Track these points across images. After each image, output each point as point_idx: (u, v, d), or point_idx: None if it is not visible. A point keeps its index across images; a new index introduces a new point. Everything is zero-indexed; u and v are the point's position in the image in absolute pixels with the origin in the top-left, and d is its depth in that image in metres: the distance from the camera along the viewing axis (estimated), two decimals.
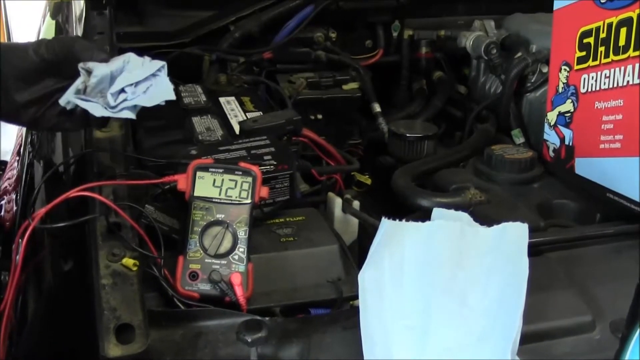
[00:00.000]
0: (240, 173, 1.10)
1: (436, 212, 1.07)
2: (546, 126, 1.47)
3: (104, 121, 1.10)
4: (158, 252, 1.05)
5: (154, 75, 1.09)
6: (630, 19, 1.22)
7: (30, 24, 3.02)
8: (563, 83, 1.40)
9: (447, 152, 1.59)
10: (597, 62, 1.31)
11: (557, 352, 1.00)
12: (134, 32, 1.82)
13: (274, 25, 1.87)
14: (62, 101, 1.06)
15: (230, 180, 1.09)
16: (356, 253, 1.24)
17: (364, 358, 0.93)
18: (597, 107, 1.32)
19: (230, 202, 1.08)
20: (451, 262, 0.97)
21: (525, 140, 1.65)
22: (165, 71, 1.10)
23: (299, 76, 1.77)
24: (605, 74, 1.29)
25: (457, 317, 0.93)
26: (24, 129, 1.81)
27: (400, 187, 1.36)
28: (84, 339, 0.97)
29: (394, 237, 1.00)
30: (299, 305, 1.09)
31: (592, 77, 1.32)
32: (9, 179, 1.87)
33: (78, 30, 1.62)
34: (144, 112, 1.30)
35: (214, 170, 1.10)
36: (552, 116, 1.45)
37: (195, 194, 1.08)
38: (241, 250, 1.06)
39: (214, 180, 1.09)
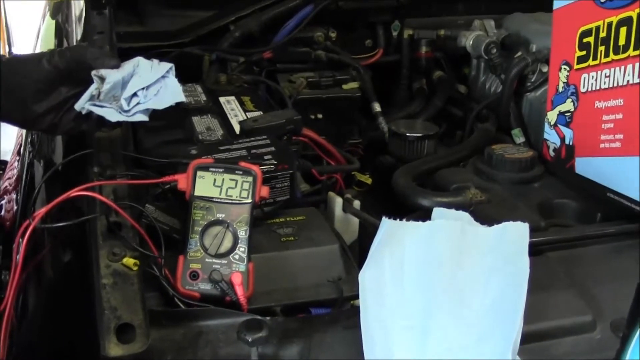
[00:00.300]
0: (241, 173, 1.10)
1: (436, 211, 1.07)
2: (546, 126, 1.47)
3: (119, 123, 1.13)
4: (158, 252, 1.05)
5: (163, 77, 1.13)
6: (630, 18, 1.22)
7: (30, 23, 3.02)
8: (563, 82, 1.40)
9: (447, 151, 1.59)
10: (597, 62, 1.31)
11: (557, 352, 1.00)
12: (134, 31, 1.82)
13: (274, 24, 1.87)
14: (78, 106, 1.11)
15: (230, 179, 1.09)
16: (357, 253, 1.24)
17: (365, 358, 0.93)
18: (597, 106, 1.32)
19: (230, 201, 1.08)
20: (452, 261, 0.97)
21: (526, 139, 1.65)
22: (173, 73, 1.14)
23: (299, 76, 1.77)
24: (605, 74, 1.29)
25: (458, 317, 0.93)
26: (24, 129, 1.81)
27: (401, 186, 1.36)
28: (83, 335, 0.98)
29: (394, 236, 1.00)
30: (299, 304, 1.09)
31: (592, 77, 1.32)
32: (9, 178, 1.87)
33: (78, 30, 1.62)
34: None
35: (214, 169, 1.10)
36: (552, 116, 1.45)
37: (196, 193, 1.08)
38: (242, 249, 1.06)
39: (215, 179, 1.09)
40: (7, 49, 4.46)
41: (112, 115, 1.10)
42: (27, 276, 1.16)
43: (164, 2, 1.88)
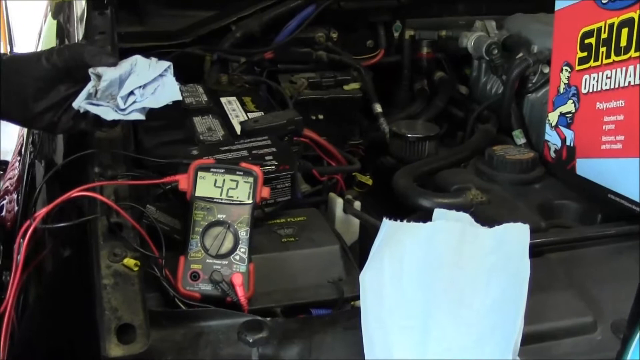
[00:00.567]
0: (242, 173, 1.10)
1: (437, 212, 1.07)
2: (547, 127, 1.47)
3: (116, 121, 1.13)
4: (159, 253, 1.05)
5: (161, 75, 1.13)
6: (632, 19, 1.22)
7: (31, 23, 3.02)
8: (564, 83, 1.40)
9: (448, 152, 1.59)
10: (598, 63, 1.31)
11: (558, 353, 1.00)
12: (136, 31, 1.82)
13: (275, 25, 1.87)
14: (75, 105, 1.11)
15: (231, 180, 1.09)
16: (357, 253, 1.24)
17: (365, 358, 0.93)
18: (598, 107, 1.31)
19: (231, 202, 1.08)
20: (452, 262, 0.97)
21: (527, 140, 1.65)
22: (171, 71, 1.14)
23: (300, 76, 1.77)
24: (607, 75, 1.29)
25: (458, 318, 0.93)
26: (25, 129, 1.81)
27: (402, 187, 1.36)
28: (83, 336, 0.98)
29: (395, 237, 1.00)
30: (300, 305, 1.09)
31: (594, 78, 1.32)
32: (10, 178, 1.87)
33: (79, 30, 1.62)
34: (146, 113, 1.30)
35: (215, 170, 1.10)
36: (553, 117, 1.45)
37: (197, 194, 1.08)
38: (242, 250, 1.06)
39: (215, 180, 1.09)
40: (8, 49, 4.47)
41: (107, 113, 1.10)
42: (27, 277, 1.16)
43: (165, 2, 1.88)
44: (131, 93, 1.11)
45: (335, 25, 1.94)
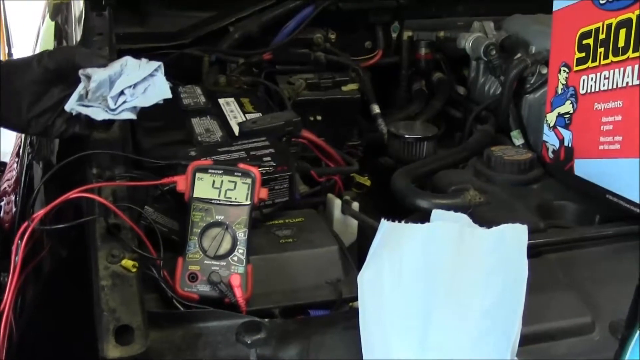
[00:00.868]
0: (240, 174, 1.10)
1: (435, 213, 1.07)
2: (545, 127, 1.47)
3: (109, 123, 1.13)
4: (157, 254, 1.05)
5: (151, 75, 1.13)
6: (630, 20, 1.22)
7: (29, 24, 3.02)
8: (562, 84, 1.40)
9: (446, 153, 1.59)
10: (596, 64, 1.31)
11: (556, 353, 1.00)
12: (134, 33, 1.82)
13: (273, 26, 1.87)
14: (68, 107, 1.11)
15: (229, 181, 1.09)
16: (355, 254, 1.24)
17: (364, 359, 0.93)
18: (596, 108, 1.32)
19: (229, 203, 1.08)
20: (450, 263, 0.97)
21: (525, 141, 1.65)
22: (161, 71, 1.14)
23: (298, 77, 1.77)
24: (605, 75, 1.29)
25: (457, 318, 0.93)
26: None
27: (400, 188, 1.36)
28: (81, 337, 0.98)
29: (393, 238, 1.00)
30: (298, 306, 1.09)
31: (592, 79, 1.32)
32: (8, 180, 1.87)
33: (77, 31, 1.62)
34: (143, 113, 1.31)
35: (213, 171, 1.10)
36: (551, 117, 1.45)
37: (195, 195, 1.08)
38: (240, 251, 1.06)
39: (214, 181, 1.09)
40: (6, 50, 4.46)
41: (98, 114, 1.10)
42: (26, 278, 1.16)
43: (163, 3, 1.88)
44: (121, 93, 1.11)
45: (334, 26, 1.94)
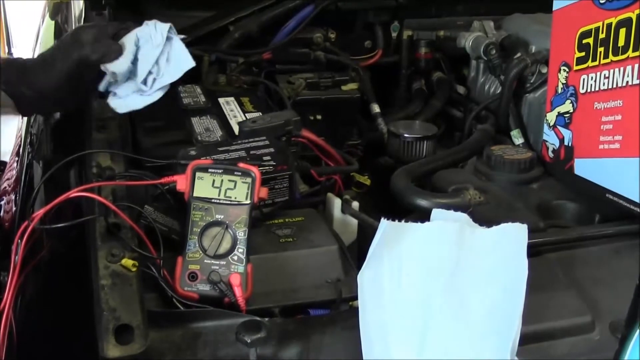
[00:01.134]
0: (240, 174, 1.10)
1: (435, 212, 1.07)
2: (545, 127, 1.47)
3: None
4: (157, 253, 1.05)
5: (168, 39, 1.21)
6: (630, 19, 1.22)
7: (29, 24, 3.02)
8: (562, 84, 1.40)
9: (446, 152, 1.59)
10: (596, 63, 1.31)
11: (556, 353, 1.00)
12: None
13: (273, 25, 1.87)
14: (102, 88, 1.23)
15: (229, 180, 1.09)
16: (355, 254, 1.24)
17: (364, 358, 0.93)
18: (596, 107, 1.31)
19: (229, 202, 1.08)
20: (450, 262, 0.97)
21: (525, 140, 1.65)
22: (174, 31, 1.23)
23: (298, 77, 1.77)
24: (605, 75, 1.29)
25: (457, 318, 0.93)
26: (23, 130, 1.81)
27: (400, 187, 1.36)
28: (82, 336, 0.98)
29: (393, 237, 1.00)
30: (298, 305, 1.09)
31: (592, 78, 1.32)
32: (8, 179, 1.87)
33: None
34: (143, 113, 1.31)
35: (213, 170, 1.10)
36: (551, 117, 1.45)
37: (195, 194, 1.08)
38: (240, 250, 1.06)
39: (213, 180, 1.09)
40: (6, 50, 4.46)
41: (136, 103, 1.22)
42: (25, 277, 1.16)
43: (163, 3, 1.88)
44: (149, 72, 1.20)
45: (333, 25, 1.94)
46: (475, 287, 0.95)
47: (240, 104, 1.59)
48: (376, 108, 1.79)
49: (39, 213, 1.02)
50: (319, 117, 1.70)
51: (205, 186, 1.09)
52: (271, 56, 1.83)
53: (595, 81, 1.31)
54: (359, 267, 0.99)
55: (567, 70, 1.38)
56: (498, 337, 0.90)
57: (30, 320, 1.23)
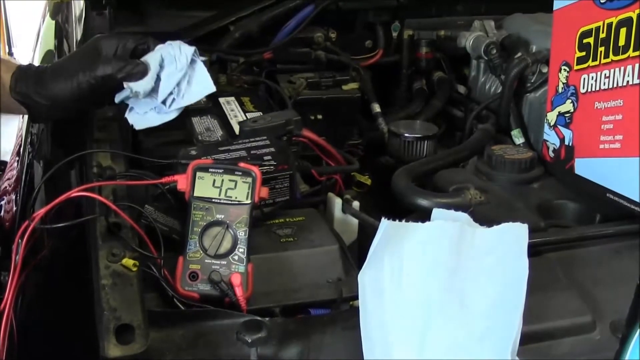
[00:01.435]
0: (240, 173, 1.10)
1: (436, 212, 1.07)
2: (546, 126, 1.47)
3: None
4: (158, 253, 1.05)
5: (192, 61, 1.24)
6: (630, 19, 1.22)
7: (29, 24, 3.02)
8: (563, 83, 1.40)
9: (447, 152, 1.59)
10: (596, 62, 1.31)
11: (557, 353, 1.00)
12: (134, 32, 1.82)
13: (273, 25, 1.87)
14: (117, 99, 1.24)
15: (230, 180, 1.09)
16: (356, 253, 1.24)
17: (364, 358, 0.93)
18: (596, 107, 1.31)
19: (230, 202, 1.08)
20: (451, 262, 0.97)
21: (525, 140, 1.65)
22: (197, 55, 1.26)
23: (299, 76, 1.77)
24: (605, 74, 1.29)
25: (457, 318, 0.93)
26: (24, 130, 1.81)
27: (400, 187, 1.36)
28: (82, 336, 0.98)
29: (393, 237, 1.00)
30: (298, 305, 1.09)
31: (592, 77, 1.32)
32: (8, 179, 1.87)
33: (78, 30, 1.62)
34: None
35: (213, 170, 1.10)
36: (552, 116, 1.45)
37: (195, 194, 1.08)
38: (241, 250, 1.06)
39: (214, 180, 1.09)
40: (7, 49, 4.46)
41: (154, 120, 1.25)
42: (26, 277, 1.16)
43: (163, 3, 1.88)
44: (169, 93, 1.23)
45: (334, 25, 1.94)
46: (475, 287, 0.95)
47: (241, 104, 1.59)
48: (377, 108, 1.79)
49: (40, 213, 1.02)
50: (319, 116, 1.70)
51: (205, 186, 1.09)
52: (272, 56, 1.83)
53: (595, 81, 1.31)
54: (360, 267, 0.99)
55: (567, 69, 1.38)
56: (498, 337, 0.90)
57: (30, 320, 1.23)
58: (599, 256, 1.22)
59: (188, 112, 1.51)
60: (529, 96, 1.66)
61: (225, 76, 1.75)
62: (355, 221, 1.32)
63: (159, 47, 1.25)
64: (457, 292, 0.95)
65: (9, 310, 1.00)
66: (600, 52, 1.29)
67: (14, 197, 1.69)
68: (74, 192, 1.03)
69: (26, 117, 1.71)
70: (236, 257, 1.06)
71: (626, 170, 1.24)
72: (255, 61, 1.82)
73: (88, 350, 0.92)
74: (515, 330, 0.89)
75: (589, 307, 1.05)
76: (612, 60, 1.27)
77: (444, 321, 0.93)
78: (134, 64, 1.22)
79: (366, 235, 1.25)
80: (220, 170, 1.10)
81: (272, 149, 1.27)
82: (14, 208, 1.62)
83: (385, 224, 1.01)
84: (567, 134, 1.41)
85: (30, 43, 2.46)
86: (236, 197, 1.09)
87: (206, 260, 1.05)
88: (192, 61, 1.25)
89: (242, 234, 1.07)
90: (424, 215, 1.11)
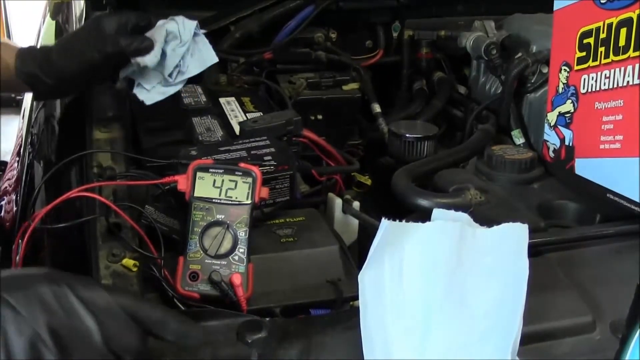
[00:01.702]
0: (241, 174, 1.10)
1: (436, 212, 1.07)
2: (546, 126, 1.47)
3: None
4: (158, 253, 1.05)
5: (194, 34, 1.30)
6: (630, 19, 1.22)
7: (30, 24, 3.02)
8: (563, 83, 1.40)
9: (447, 152, 1.59)
10: (597, 63, 1.31)
11: (557, 353, 0.99)
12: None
13: (274, 25, 1.87)
14: (122, 75, 1.30)
15: (230, 180, 1.09)
16: (356, 253, 1.24)
17: (364, 358, 0.93)
18: (597, 107, 1.31)
19: (230, 202, 1.08)
20: (451, 262, 0.97)
21: (526, 140, 1.65)
22: (199, 29, 1.32)
23: (299, 76, 1.77)
24: (605, 75, 1.29)
25: (457, 318, 0.93)
26: (24, 130, 1.81)
27: (400, 187, 1.36)
28: None
29: (394, 237, 1.00)
30: (299, 305, 1.09)
31: (592, 78, 1.32)
32: (9, 179, 1.87)
33: None
34: (144, 112, 1.31)
35: (214, 170, 1.10)
36: (552, 116, 1.45)
37: (196, 194, 1.08)
38: (241, 250, 1.06)
39: (214, 180, 1.09)
40: None
41: (161, 94, 1.30)
42: None
43: (163, 3, 1.88)
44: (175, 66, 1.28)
45: (334, 25, 1.94)
46: (476, 287, 0.95)
47: (241, 104, 1.59)
48: (377, 108, 1.79)
49: (40, 213, 1.02)
50: (320, 116, 1.71)
51: (206, 186, 1.09)
52: (272, 56, 1.83)
53: (596, 81, 1.31)
54: (360, 267, 0.99)
55: (567, 70, 1.38)
56: (499, 337, 0.90)
57: None
58: (599, 256, 1.22)
59: (188, 112, 1.52)
60: (529, 96, 1.66)
61: (225, 76, 1.75)
62: (355, 221, 1.32)
63: (162, 22, 1.30)
64: (458, 292, 0.95)
65: None
66: (601, 52, 1.29)
67: (14, 197, 1.69)
68: (74, 192, 1.04)
69: (26, 117, 1.71)
70: (236, 257, 1.06)
71: (626, 171, 1.24)
72: (255, 61, 1.82)
73: None
74: (516, 331, 0.89)
75: (589, 307, 1.05)
76: (612, 60, 1.27)
77: (444, 321, 0.93)
78: (141, 39, 1.26)
79: (366, 235, 1.25)
80: (221, 171, 1.10)
81: (273, 149, 1.27)
82: (14, 208, 1.63)
83: (385, 224, 1.01)
84: (567, 134, 1.41)
85: (30, 43, 2.46)
86: (236, 197, 1.09)
87: (206, 261, 1.05)
88: (195, 34, 1.30)
89: (242, 234, 1.07)
90: (424, 216, 1.11)
